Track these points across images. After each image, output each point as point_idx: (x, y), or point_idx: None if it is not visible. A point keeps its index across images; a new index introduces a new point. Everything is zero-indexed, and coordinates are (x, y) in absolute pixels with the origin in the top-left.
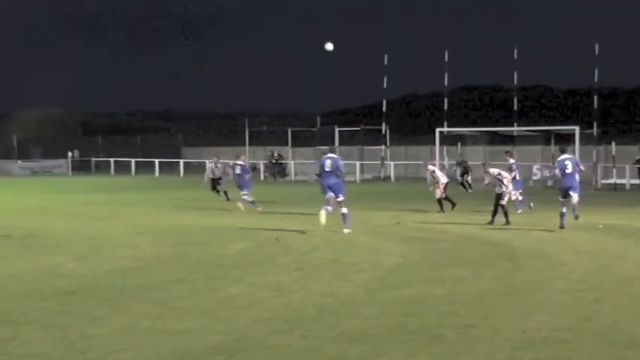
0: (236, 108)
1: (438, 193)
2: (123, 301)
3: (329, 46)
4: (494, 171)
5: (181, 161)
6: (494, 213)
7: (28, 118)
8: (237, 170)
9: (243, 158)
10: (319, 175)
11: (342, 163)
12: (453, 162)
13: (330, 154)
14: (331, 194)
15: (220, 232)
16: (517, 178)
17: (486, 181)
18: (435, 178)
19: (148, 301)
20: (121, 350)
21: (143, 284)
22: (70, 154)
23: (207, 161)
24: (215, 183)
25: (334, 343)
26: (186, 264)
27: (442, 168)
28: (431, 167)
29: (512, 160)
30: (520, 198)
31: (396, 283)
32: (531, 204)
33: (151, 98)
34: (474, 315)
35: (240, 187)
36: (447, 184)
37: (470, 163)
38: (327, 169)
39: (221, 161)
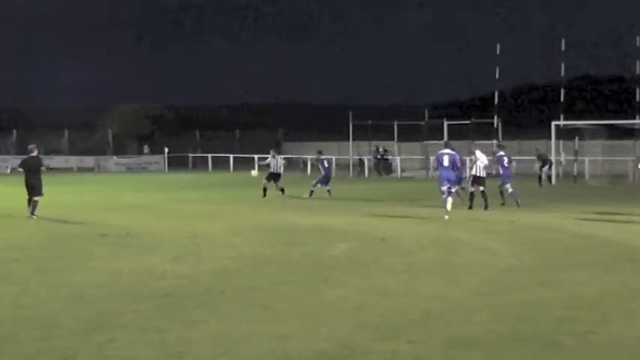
0: (340, 101)
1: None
2: (221, 303)
3: (254, 173)
4: None
5: (281, 157)
6: None
7: (124, 113)
8: (327, 164)
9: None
10: (437, 168)
11: (458, 158)
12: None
13: (446, 150)
14: (448, 185)
15: (322, 232)
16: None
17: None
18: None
19: (247, 304)
20: (219, 355)
21: (242, 286)
22: (166, 149)
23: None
24: (272, 177)
25: (442, 350)
26: (287, 265)
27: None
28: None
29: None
30: (510, 190)
31: (509, 286)
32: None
33: (253, 92)
34: (593, 320)
35: (328, 180)
36: (475, 177)
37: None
38: (445, 164)
39: (282, 157)
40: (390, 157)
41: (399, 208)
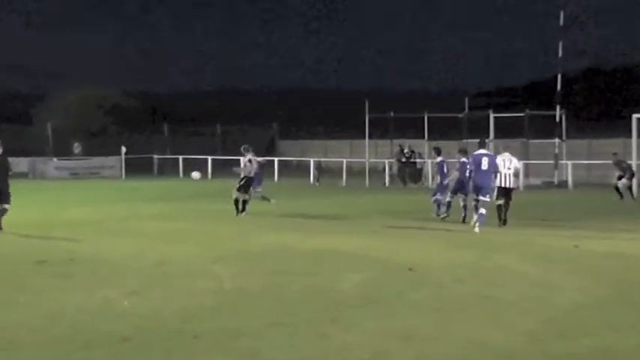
0: (353, 86)
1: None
2: (195, 351)
3: (195, 175)
4: None
5: (276, 159)
6: None
7: (69, 102)
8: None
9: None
10: (470, 173)
11: (497, 159)
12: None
13: (483, 150)
14: (486, 195)
15: (330, 258)
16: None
17: None
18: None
19: (231, 352)
20: None
21: (223, 328)
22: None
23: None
24: (247, 183)
25: None
26: (284, 301)
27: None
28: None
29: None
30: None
31: (574, 329)
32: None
33: (238, 74)
34: None
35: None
36: (501, 188)
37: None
38: (484, 167)
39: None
40: (418, 159)
41: (429, 227)
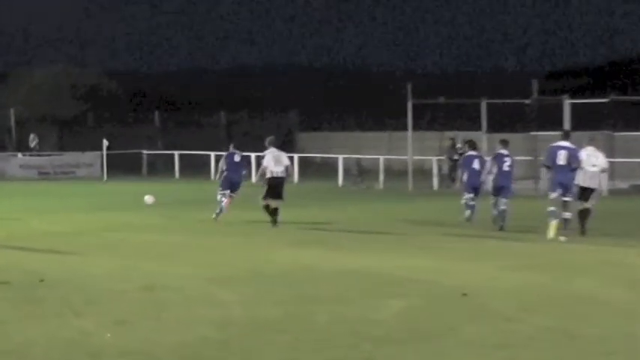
0: (392, 66)
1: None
2: None
3: (149, 200)
4: None
5: (295, 156)
6: None
7: (37, 84)
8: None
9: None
10: (548, 168)
11: (581, 153)
12: None
13: (562, 142)
14: (562, 196)
15: (362, 281)
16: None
17: None
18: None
19: None
20: None
21: None
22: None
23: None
24: (277, 186)
25: None
26: (308, 335)
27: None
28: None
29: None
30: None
31: None
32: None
33: (248, 50)
34: None
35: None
36: (581, 188)
37: None
38: (561, 162)
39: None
40: None
41: (488, 242)
